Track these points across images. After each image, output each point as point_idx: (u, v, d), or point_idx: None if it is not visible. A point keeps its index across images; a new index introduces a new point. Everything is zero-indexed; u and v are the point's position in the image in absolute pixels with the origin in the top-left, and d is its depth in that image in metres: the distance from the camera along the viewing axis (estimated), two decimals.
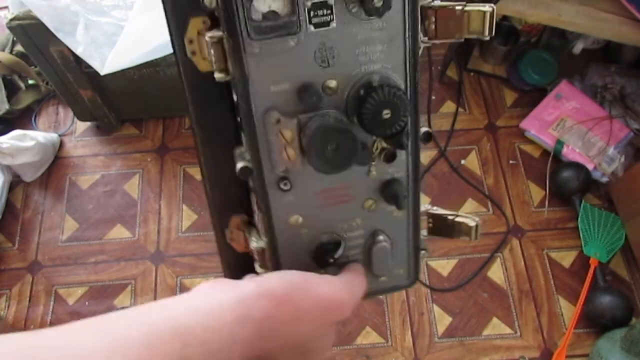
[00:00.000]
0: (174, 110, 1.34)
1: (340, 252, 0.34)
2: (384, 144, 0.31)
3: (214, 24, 0.28)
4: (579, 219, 1.18)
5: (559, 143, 1.26)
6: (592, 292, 1.10)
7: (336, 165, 0.30)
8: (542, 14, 1.11)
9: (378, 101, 0.28)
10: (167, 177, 1.28)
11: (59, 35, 0.94)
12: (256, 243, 0.34)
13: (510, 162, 1.29)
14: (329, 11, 0.27)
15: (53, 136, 1.31)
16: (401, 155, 0.32)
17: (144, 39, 0.91)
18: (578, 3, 1.09)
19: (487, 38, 0.30)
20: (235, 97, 0.30)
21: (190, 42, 0.29)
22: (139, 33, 0.91)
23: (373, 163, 0.32)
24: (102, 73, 0.93)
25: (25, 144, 1.21)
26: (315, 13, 0.27)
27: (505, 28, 1.33)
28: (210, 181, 0.35)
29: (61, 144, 1.33)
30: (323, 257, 0.34)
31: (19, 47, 1.31)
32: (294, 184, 0.31)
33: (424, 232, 0.37)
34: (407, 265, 0.37)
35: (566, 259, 1.18)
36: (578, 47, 1.32)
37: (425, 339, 1.10)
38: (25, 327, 1.12)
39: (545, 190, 1.25)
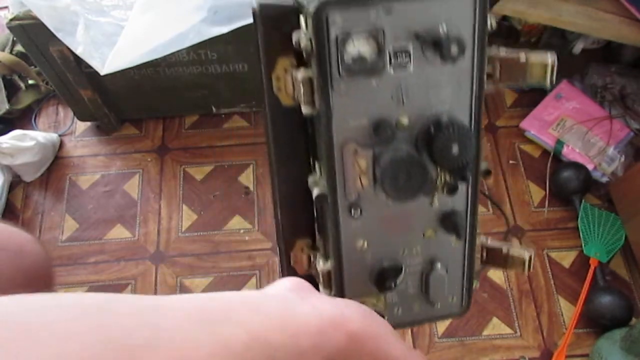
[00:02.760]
0: (174, 110, 1.34)
1: (400, 278, 0.36)
2: (447, 177, 0.34)
3: (300, 63, 0.32)
4: (579, 219, 1.18)
5: (559, 143, 1.26)
6: (592, 292, 1.10)
7: (406, 194, 0.33)
8: (542, 14, 1.11)
9: (448, 138, 0.31)
10: (167, 177, 1.29)
11: (59, 35, 0.94)
12: (322, 265, 0.36)
13: (510, 162, 1.29)
14: (407, 56, 0.31)
15: (53, 136, 1.31)
16: (462, 188, 0.35)
17: (144, 39, 0.91)
18: (578, 3, 1.09)
19: (548, 87, 0.33)
20: (311, 129, 0.34)
21: (277, 79, 0.33)
22: (139, 33, 0.91)
23: (436, 194, 0.35)
24: (102, 73, 0.93)
25: (25, 144, 1.21)
26: (396, 58, 0.31)
27: (505, 28, 1.33)
28: (281, 206, 0.38)
29: (61, 144, 1.33)
30: (384, 282, 0.36)
31: (19, 47, 1.31)
32: (363, 211, 0.34)
33: (477, 263, 0.39)
34: (460, 294, 0.39)
35: (566, 259, 1.18)
36: (578, 47, 1.32)
37: (425, 339, 1.10)
38: None
39: (545, 190, 1.25)
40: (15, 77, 1.34)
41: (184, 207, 1.25)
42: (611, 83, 1.30)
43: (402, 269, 0.37)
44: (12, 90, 1.35)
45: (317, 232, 0.39)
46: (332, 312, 0.27)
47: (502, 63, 0.33)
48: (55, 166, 1.30)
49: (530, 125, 1.29)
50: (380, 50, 0.30)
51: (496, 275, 1.16)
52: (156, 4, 0.92)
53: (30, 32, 1.02)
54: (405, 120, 0.32)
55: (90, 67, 0.95)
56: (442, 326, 1.11)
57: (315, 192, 0.34)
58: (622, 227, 1.16)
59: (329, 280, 0.36)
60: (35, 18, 0.95)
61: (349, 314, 0.28)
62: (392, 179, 0.32)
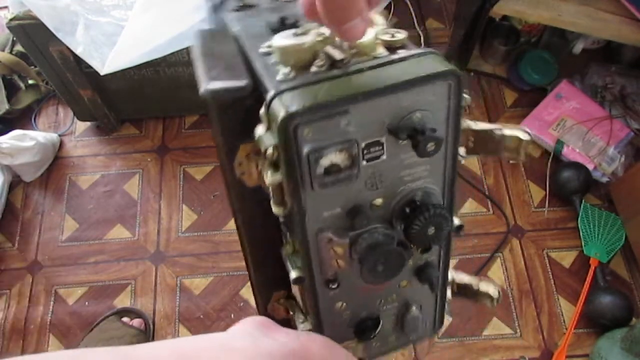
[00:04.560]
0: (174, 110, 1.34)
1: (379, 329, 0.38)
2: None
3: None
4: (579, 219, 1.18)
5: (559, 143, 1.26)
6: (592, 292, 1.10)
7: (385, 278, 0.32)
8: (542, 14, 1.11)
9: (424, 222, 0.31)
10: (167, 177, 1.28)
11: (59, 35, 0.94)
12: (302, 325, 0.37)
13: (510, 162, 1.29)
14: (380, 148, 0.29)
15: (53, 136, 1.31)
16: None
17: (144, 39, 0.91)
18: (578, 3, 1.09)
19: (522, 161, 0.32)
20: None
21: (240, 164, 0.31)
22: (139, 33, 0.91)
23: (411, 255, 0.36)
24: (102, 73, 0.93)
25: (25, 144, 1.21)
26: (369, 151, 0.29)
27: (505, 28, 1.33)
28: (254, 267, 0.38)
29: (61, 144, 1.33)
30: (363, 333, 0.38)
31: (19, 47, 1.31)
32: (341, 284, 0.34)
33: (449, 295, 0.41)
34: (433, 321, 0.41)
35: (566, 259, 1.18)
36: (578, 47, 1.32)
37: (425, 339, 1.10)
38: (25, 328, 1.12)
39: (545, 190, 1.25)
40: (15, 77, 1.34)
41: (184, 207, 1.25)
42: (611, 83, 1.30)
43: (379, 322, 0.37)
44: (12, 90, 1.35)
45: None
46: (293, 344, 0.28)
47: (476, 136, 0.33)
48: (55, 166, 1.30)
49: (531, 125, 1.29)
50: (354, 158, 0.28)
51: (496, 275, 1.16)
52: (156, 4, 0.92)
53: (30, 32, 1.02)
54: (379, 202, 0.31)
55: (90, 67, 0.95)
56: None
57: (292, 274, 0.33)
58: (622, 227, 1.16)
59: None
60: (35, 18, 0.95)
61: (310, 346, 0.29)
62: (370, 266, 0.31)
